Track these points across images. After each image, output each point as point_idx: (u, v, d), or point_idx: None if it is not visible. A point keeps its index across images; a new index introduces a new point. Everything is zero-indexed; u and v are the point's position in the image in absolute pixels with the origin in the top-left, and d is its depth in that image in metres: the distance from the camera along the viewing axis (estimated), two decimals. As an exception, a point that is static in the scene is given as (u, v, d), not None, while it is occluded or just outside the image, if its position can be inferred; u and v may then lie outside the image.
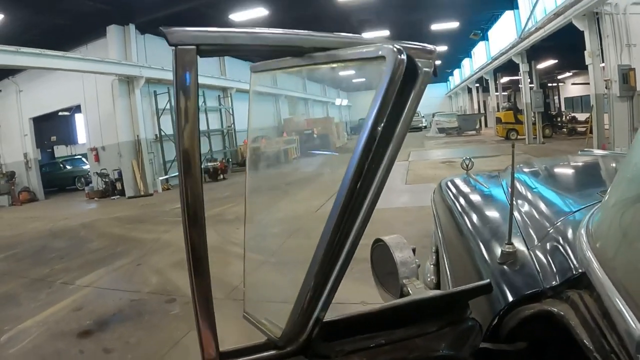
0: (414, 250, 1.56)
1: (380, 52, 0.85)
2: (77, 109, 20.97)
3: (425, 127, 43.71)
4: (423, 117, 45.98)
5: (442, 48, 30.74)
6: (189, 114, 0.83)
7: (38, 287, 7.60)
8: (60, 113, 22.57)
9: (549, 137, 24.27)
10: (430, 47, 0.92)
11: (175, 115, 0.83)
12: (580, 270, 1.28)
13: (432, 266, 2.93)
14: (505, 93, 31.49)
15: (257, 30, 0.89)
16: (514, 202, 1.95)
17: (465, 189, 2.95)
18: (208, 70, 24.25)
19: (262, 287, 1.47)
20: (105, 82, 18.57)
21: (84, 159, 24.21)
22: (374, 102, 0.87)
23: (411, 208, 9.92)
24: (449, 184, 3.13)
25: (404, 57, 0.83)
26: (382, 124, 0.87)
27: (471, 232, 2.06)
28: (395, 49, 0.83)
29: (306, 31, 0.94)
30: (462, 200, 2.64)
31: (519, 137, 24.89)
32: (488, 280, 1.28)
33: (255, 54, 0.96)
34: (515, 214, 1.94)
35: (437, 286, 2.73)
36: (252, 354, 1.00)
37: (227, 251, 8.32)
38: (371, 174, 0.90)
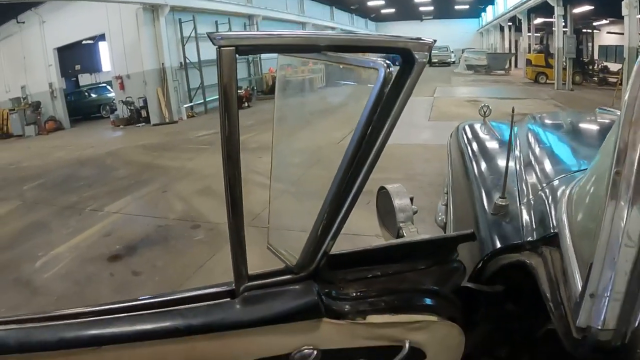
0: (411, 199, 1.80)
1: (372, 65, 1.08)
2: (101, 37, 20.81)
3: (454, 62, 42.57)
4: (452, 52, 44.70)
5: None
6: (231, 108, 1.04)
7: (68, 214, 7.84)
8: (84, 42, 22.42)
9: (578, 85, 23.35)
10: (427, 40, 1.09)
11: (219, 102, 1.04)
12: (555, 231, 1.43)
13: (443, 206, 3.02)
14: (538, 35, 30.43)
15: (283, 33, 1.09)
16: (517, 155, 2.21)
17: (479, 136, 2.99)
18: (234, -2, 23.76)
19: (283, 219, 1.60)
20: (130, 10, 18.33)
21: (108, 87, 24.18)
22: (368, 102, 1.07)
23: (431, 145, 9.80)
24: (466, 128, 3.17)
25: (391, 70, 1.04)
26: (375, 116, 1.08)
27: (476, 179, 2.21)
28: (385, 64, 1.04)
29: (323, 33, 1.07)
30: (474, 147, 2.73)
31: (548, 81, 24.10)
32: (471, 230, 1.48)
33: (283, 51, 1.31)
34: (518, 166, 2.12)
35: (446, 226, 2.81)
36: (273, 277, 1.23)
37: (250, 180, 8.39)
38: (373, 138, 1.10)
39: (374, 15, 53.44)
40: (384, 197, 1.87)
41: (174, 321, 1.12)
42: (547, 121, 3.22)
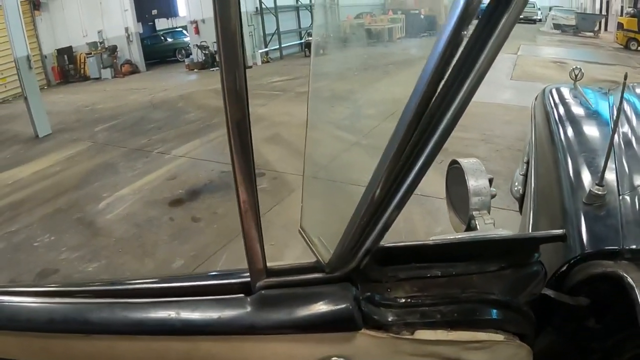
0: (490, 181, 1.39)
1: None
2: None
3: (540, 20, 40.39)
4: (539, 9, 42.32)
5: None
6: (234, 58, 0.72)
7: (136, 156, 7.85)
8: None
9: None
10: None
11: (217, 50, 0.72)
12: None
13: (521, 176, 2.73)
14: (633, -3, 28.07)
15: None
16: (617, 136, 1.76)
17: (568, 102, 2.62)
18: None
19: (319, 200, 1.31)
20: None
21: (184, 32, 24.39)
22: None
23: (512, 106, 9.11)
24: (553, 92, 2.80)
25: None
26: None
27: (564, 154, 1.84)
28: None
29: None
30: (562, 115, 2.38)
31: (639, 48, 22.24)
32: (563, 231, 1.09)
33: None
34: (618, 146, 1.73)
35: (523, 197, 2.53)
36: (298, 274, 0.95)
37: (318, 128, 8.15)
38: (449, 98, 0.73)
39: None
40: (455, 174, 1.49)
41: (173, 314, 0.89)
42: None
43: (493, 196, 1.39)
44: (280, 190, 5.68)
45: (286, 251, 4.14)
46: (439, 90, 0.71)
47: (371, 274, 0.97)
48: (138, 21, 22.64)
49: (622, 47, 23.49)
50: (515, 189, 2.76)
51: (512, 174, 3.02)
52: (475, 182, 1.38)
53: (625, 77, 1.44)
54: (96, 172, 7.28)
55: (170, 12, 26.56)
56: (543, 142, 2.23)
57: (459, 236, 1.15)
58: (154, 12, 25.82)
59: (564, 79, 2.85)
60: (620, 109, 1.52)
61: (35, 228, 5.43)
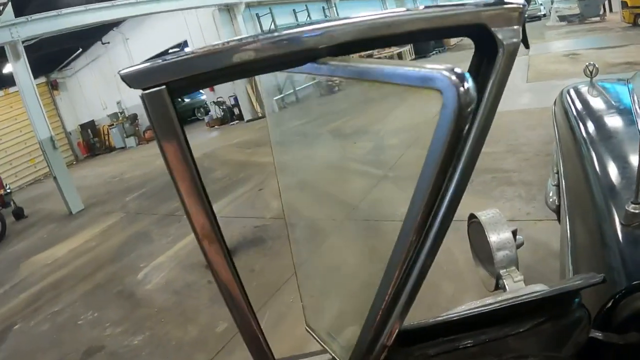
0: (514, 233, 1.27)
1: (430, 83, 0.54)
2: (186, 43, 21.37)
3: (544, 15, 40.33)
4: (541, 4, 42.26)
5: None
6: (180, 163, 0.67)
7: (167, 222, 7.93)
8: (170, 50, 23.10)
9: None
10: (515, 2, 0.63)
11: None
12: None
13: (554, 187, 2.64)
14: (632, -27, 27.98)
15: (248, 40, 0.64)
16: None
17: (589, 103, 2.51)
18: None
19: (319, 290, 1.26)
20: (206, 14, 18.58)
21: (200, 90, 24.95)
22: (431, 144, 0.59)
23: (533, 110, 8.95)
24: (572, 93, 2.73)
25: (468, 85, 0.52)
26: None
27: (592, 165, 1.71)
28: (453, 78, 0.52)
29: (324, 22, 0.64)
30: (584, 119, 2.26)
31: None
32: (602, 276, 0.97)
33: (258, 71, 0.70)
34: None
35: (559, 209, 2.35)
36: None
37: (345, 168, 8.17)
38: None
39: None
40: (476, 229, 1.38)
41: None
42: None
43: (520, 245, 1.31)
44: (315, 238, 5.64)
45: (326, 302, 4.11)
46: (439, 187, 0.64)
47: (396, 357, 0.89)
48: (154, 87, 23.27)
49: (630, 25, 23.13)
50: (550, 200, 2.69)
51: (545, 182, 2.95)
52: (497, 237, 1.28)
53: None
54: (131, 242, 7.37)
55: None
56: (569, 150, 2.14)
57: (488, 302, 1.03)
58: (168, 74, 26.39)
59: (579, 71, 2.79)
60: None
61: (77, 306, 5.50)
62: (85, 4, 12.45)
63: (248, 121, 18.90)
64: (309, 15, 23.16)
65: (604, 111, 2.31)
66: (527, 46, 0.69)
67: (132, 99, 22.26)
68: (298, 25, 0.62)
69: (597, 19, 30.92)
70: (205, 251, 0.71)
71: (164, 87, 0.62)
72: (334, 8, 25.62)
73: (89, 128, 24.24)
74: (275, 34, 0.64)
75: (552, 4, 36.93)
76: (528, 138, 7.31)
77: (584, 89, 2.73)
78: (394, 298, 0.76)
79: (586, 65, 2.68)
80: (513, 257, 1.24)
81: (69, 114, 24.68)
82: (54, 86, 24.30)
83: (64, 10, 11.73)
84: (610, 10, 33.08)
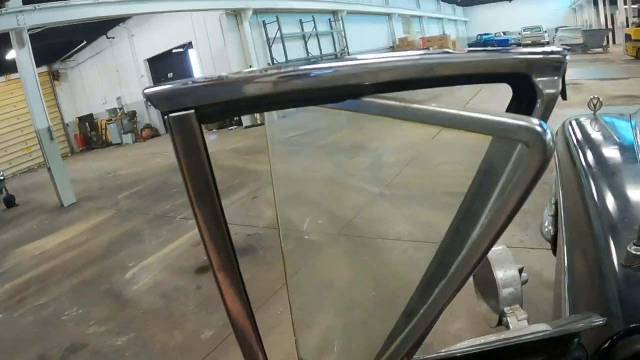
0: (520, 271, 1.27)
1: (517, 135, 0.54)
2: (190, 45, 21.40)
3: (548, 42, 40.74)
4: (545, 31, 42.69)
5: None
6: (203, 195, 0.64)
7: (160, 223, 7.90)
8: (174, 50, 23.15)
9: None
10: (556, 53, 0.64)
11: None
12: None
13: (550, 217, 2.61)
14: (635, 7, 28.27)
15: (284, 72, 0.61)
16: None
17: (591, 138, 2.50)
18: (316, -5, 23.76)
19: (310, 321, 1.30)
20: (214, 17, 18.64)
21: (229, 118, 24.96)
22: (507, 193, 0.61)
23: None
24: (574, 125, 2.71)
25: (551, 143, 0.52)
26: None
27: (593, 201, 1.70)
28: (541, 131, 0.52)
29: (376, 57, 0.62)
30: (586, 153, 2.24)
31: None
32: (604, 320, 1.01)
33: (282, 106, 0.66)
34: None
35: (555, 239, 2.40)
36: None
37: (341, 182, 8.16)
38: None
39: (461, 0, 52.08)
40: (482, 264, 1.35)
41: None
42: None
43: (524, 282, 1.31)
44: (306, 250, 5.63)
45: (315, 316, 4.10)
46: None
47: None
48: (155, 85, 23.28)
49: (633, 58, 23.43)
50: (546, 230, 2.68)
51: (541, 211, 2.95)
52: (503, 274, 1.28)
53: None
54: (121, 240, 7.34)
55: (185, 73, 27.08)
56: (570, 182, 2.12)
57: (492, 339, 1.02)
58: (170, 75, 26.40)
59: (580, 101, 2.81)
60: None
61: (63, 301, 5.46)
62: (94, -3, 12.48)
63: (247, 127, 18.86)
64: (315, 26, 23.31)
65: (607, 146, 2.31)
66: (564, 98, 0.68)
67: (133, 96, 22.28)
68: (322, 58, 0.59)
69: (600, 50, 31.27)
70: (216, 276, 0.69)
71: (192, 111, 0.59)
72: (341, 21, 25.81)
73: (87, 121, 24.20)
74: (316, 65, 0.63)
75: (556, 32, 37.33)
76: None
77: (586, 122, 2.73)
78: (409, 335, 0.75)
79: (590, 99, 2.68)
80: (518, 295, 1.24)
81: (68, 105, 24.65)
82: (55, 76, 24.26)
83: (72, 2, 11.74)
84: (614, 42, 33.47)
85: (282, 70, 0.61)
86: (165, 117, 0.60)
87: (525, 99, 0.64)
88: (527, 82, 0.63)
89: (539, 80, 0.63)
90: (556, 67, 0.63)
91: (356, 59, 0.62)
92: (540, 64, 0.63)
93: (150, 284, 5.47)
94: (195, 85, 0.61)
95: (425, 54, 0.64)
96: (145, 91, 0.60)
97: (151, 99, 0.60)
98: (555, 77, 0.63)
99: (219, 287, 0.70)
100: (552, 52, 0.64)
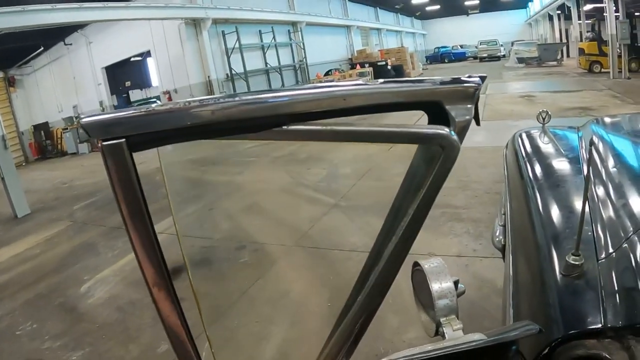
0: (456, 283, 1.30)
1: (436, 141, 0.72)
2: (149, 53, 21.23)
3: (504, 56, 41.78)
4: (501, 45, 43.76)
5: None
6: (134, 219, 0.74)
7: (115, 235, 7.85)
8: (132, 59, 22.93)
9: (635, 72, 21.73)
10: (472, 81, 0.72)
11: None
12: None
13: (501, 227, 2.70)
14: (589, 22, 29.25)
15: (210, 103, 0.68)
16: (589, 180, 1.64)
17: (539, 150, 2.60)
18: (275, 5, 24.05)
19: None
20: (172, 26, 18.60)
21: (158, 101, 24.60)
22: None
23: (485, 148, 9.17)
24: (523, 138, 2.82)
25: (458, 144, 0.71)
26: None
27: (538, 212, 1.79)
28: (452, 136, 0.70)
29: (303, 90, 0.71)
30: (532, 165, 2.35)
31: (602, 70, 22.80)
32: (538, 328, 1.06)
33: (210, 136, 0.74)
34: (591, 203, 1.64)
35: (504, 249, 2.49)
36: None
37: (297, 193, 8.29)
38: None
39: (419, 13, 52.99)
40: (419, 276, 1.39)
41: None
42: (620, 125, 2.81)
43: (461, 294, 1.32)
44: (262, 262, 5.73)
45: (272, 328, 4.20)
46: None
47: None
48: (112, 94, 23.01)
49: (586, 71, 24.39)
50: (497, 239, 2.75)
51: (493, 220, 3.05)
52: (439, 286, 1.29)
53: (592, 144, 1.44)
54: (76, 253, 7.27)
55: (143, 83, 26.83)
56: (517, 193, 2.20)
57: (427, 348, 1.07)
58: (128, 83, 26.14)
59: (533, 112, 2.85)
60: (588, 179, 1.37)
61: (17, 315, 5.40)
62: (52, 3, 12.32)
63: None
64: (274, 37, 23.43)
65: (553, 158, 2.39)
66: (477, 123, 0.76)
67: (89, 104, 21.95)
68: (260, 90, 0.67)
69: (555, 62, 32.15)
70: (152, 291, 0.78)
71: (123, 140, 0.67)
72: (300, 32, 26.01)
73: (43, 130, 23.69)
74: (241, 98, 0.70)
75: (512, 45, 38.30)
76: (479, 175, 7.60)
77: (535, 134, 2.81)
78: (345, 339, 0.85)
79: (539, 112, 2.75)
80: (453, 306, 1.26)
81: (24, 112, 24.11)
82: (11, 83, 23.75)
83: (29, 7, 11.59)
84: (568, 55, 34.45)
85: (205, 100, 0.69)
86: (99, 145, 0.67)
87: (441, 124, 0.73)
88: (441, 110, 0.71)
89: (451, 107, 0.71)
90: (469, 95, 0.72)
91: (279, 91, 0.70)
92: (454, 92, 0.71)
93: (106, 297, 5.46)
94: (126, 115, 0.68)
95: (343, 85, 0.73)
96: (82, 121, 0.67)
97: (86, 128, 0.67)
98: (468, 105, 0.72)
99: (155, 303, 0.81)
100: (466, 81, 0.72)
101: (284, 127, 0.71)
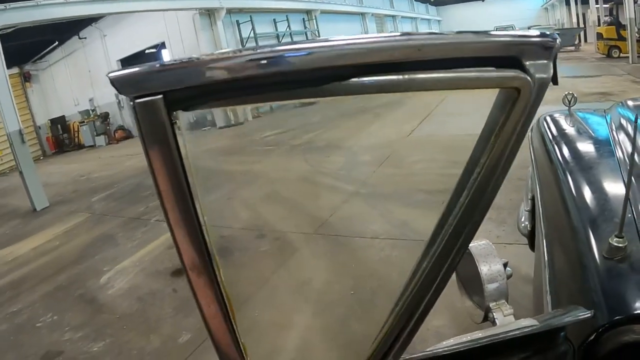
0: (505, 265, 1.26)
1: (510, 82, 0.62)
2: (164, 44, 21.21)
3: (520, 41, 41.37)
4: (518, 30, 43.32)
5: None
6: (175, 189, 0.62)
7: (134, 225, 7.83)
8: (147, 50, 22.93)
9: None
10: (549, 37, 0.62)
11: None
12: None
13: (526, 212, 2.64)
14: (607, 6, 28.77)
15: (272, 49, 0.56)
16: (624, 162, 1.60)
17: (566, 131, 2.52)
18: (290, -7, 23.80)
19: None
20: (187, 17, 18.53)
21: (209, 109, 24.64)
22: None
23: None
24: (549, 121, 2.71)
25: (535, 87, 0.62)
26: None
27: (572, 195, 1.70)
28: (530, 80, 0.61)
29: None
30: (562, 148, 2.25)
31: (621, 54, 22.33)
32: (591, 313, 1.01)
33: (262, 92, 0.61)
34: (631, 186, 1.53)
35: (532, 234, 2.43)
36: None
37: (316, 181, 8.19)
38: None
39: (434, 0, 52.49)
40: (465, 259, 1.31)
41: None
42: None
43: (509, 276, 1.29)
44: (283, 251, 5.65)
45: (295, 317, 4.12)
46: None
47: None
48: (129, 85, 23.04)
49: (604, 56, 23.95)
50: (522, 225, 2.71)
51: (515, 206, 2.95)
52: (488, 269, 1.25)
53: (636, 120, 1.35)
54: (95, 244, 7.25)
55: (160, 74, 26.86)
56: (547, 178, 2.12)
57: (478, 335, 1.00)
58: (143, 75, 26.17)
59: (553, 98, 2.79)
60: (633, 155, 1.40)
61: (37, 307, 5.38)
62: (66, -4, 12.33)
63: (221, 127, 18.70)
64: (289, 26, 23.30)
65: (584, 141, 2.32)
66: (555, 82, 0.68)
67: (105, 97, 22.00)
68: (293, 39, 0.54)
69: (572, 47, 31.71)
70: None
71: (160, 96, 0.56)
72: (314, 20, 25.82)
73: (59, 123, 23.81)
74: (298, 46, 0.58)
75: (528, 30, 37.84)
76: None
77: (561, 118, 2.74)
78: (398, 335, 0.76)
79: (565, 95, 2.68)
80: (504, 290, 1.23)
81: (40, 107, 24.24)
82: (26, 78, 23.87)
83: (43, 1, 11.58)
84: (585, 40, 33.97)
85: (261, 50, 0.57)
86: (131, 102, 0.56)
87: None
88: (518, 66, 0.62)
89: (529, 64, 0.62)
90: (547, 50, 0.63)
91: (341, 40, 0.59)
92: (532, 47, 0.62)
93: (126, 288, 5.42)
94: (164, 68, 0.57)
95: (418, 34, 0.62)
96: (110, 75, 0.56)
97: (115, 83, 0.56)
98: (546, 61, 0.63)
99: (192, 288, 0.70)
100: (543, 35, 0.63)
101: (352, 79, 0.60)
